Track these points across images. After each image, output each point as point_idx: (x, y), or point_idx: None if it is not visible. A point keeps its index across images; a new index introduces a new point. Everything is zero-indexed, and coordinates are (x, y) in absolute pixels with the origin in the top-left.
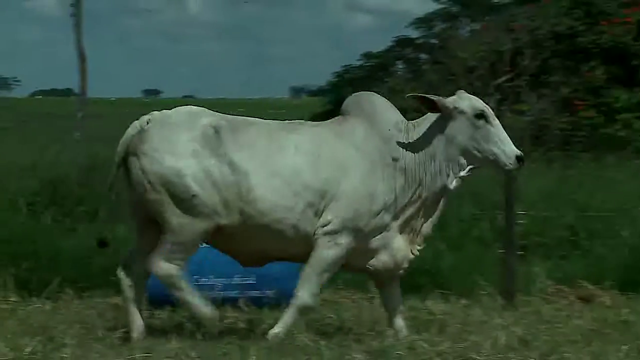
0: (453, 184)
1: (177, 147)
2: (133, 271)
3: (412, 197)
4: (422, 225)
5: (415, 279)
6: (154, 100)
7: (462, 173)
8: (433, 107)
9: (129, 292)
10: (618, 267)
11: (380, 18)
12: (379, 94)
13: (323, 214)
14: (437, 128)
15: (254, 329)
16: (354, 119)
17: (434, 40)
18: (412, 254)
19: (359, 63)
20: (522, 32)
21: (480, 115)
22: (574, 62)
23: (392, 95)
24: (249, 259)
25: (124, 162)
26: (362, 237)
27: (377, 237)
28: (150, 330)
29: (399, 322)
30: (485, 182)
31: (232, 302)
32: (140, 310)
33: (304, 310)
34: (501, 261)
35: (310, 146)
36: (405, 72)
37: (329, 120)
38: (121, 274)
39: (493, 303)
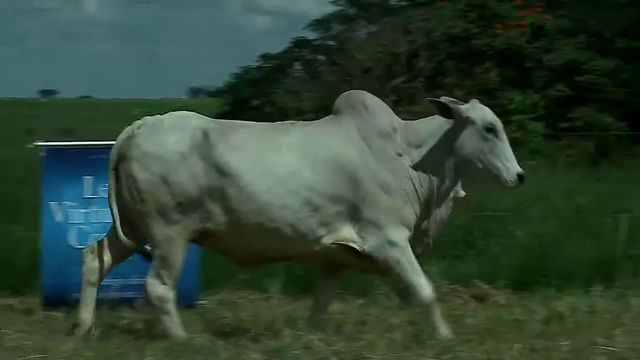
0: (461, 192)
1: (165, 152)
2: (101, 259)
3: (424, 194)
4: (429, 227)
5: (313, 279)
6: (50, 100)
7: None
8: (446, 112)
9: (90, 275)
10: (512, 266)
11: (278, 19)
12: (277, 95)
13: (355, 225)
14: (448, 132)
15: (151, 329)
16: (345, 117)
17: (331, 42)
18: (425, 254)
19: (257, 64)
20: (417, 34)
21: (490, 129)
22: (469, 64)
23: (289, 96)
24: (246, 259)
25: (116, 168)
26: (406, 226)
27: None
28: (47, 331)
29: (320, 320)
30: None
31: (130, 302)
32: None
33: (433, 304)
34: None
35: (304, 146)
36: (303, 74)
37: (320, 120)
38: (88, 257)
39: (389, 302)
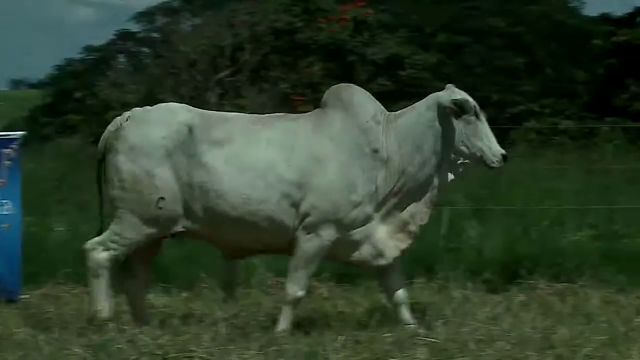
0: (458, 171)
1: (151, 147)
2: (135, 276)
3: (394, 187)
4: (413, 216)
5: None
6: None
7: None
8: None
9: (130, 294)
10: None
11: (102, 11)
12: (100, 87)
13: (301, 207)
14: (427, 119)
15: None
16: (331, 110)
17: (155, 35)
18: (401, 244)
19: (80, 56)
20: (242, 27)
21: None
22: (294, 58)
23: (112, 89)
24: (229, 252)
25: (103, 158)
26: (344, 228)
27: (360, 229)
28: None
29: (405, 313)
30: None
31: None
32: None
33: (296, 302)
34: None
35: (283, 139)
36: (127, 66)
37: (308, 113)
38: (124, 279)
39: (214, 295)
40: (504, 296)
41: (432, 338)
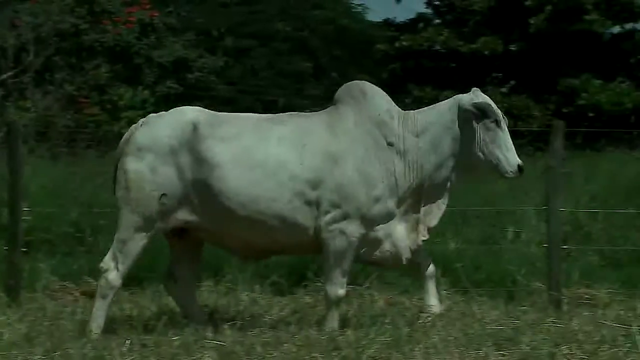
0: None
1: (156, 145)
2: (178, 280)
3: (412, 183)
4: (425, 216)
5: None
6: None
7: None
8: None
9: (178, 300)
10: None
11: None
12: None
13: (321, 206)
14: (447, 120)
15: None
16: (344, 107)
17: None
18: (416, 244)
19: None
20: (25, 28)
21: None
22: (79, 60)
23: None
24: (244, 253)
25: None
26: (368, 223)
27: (382, 226)
28: None
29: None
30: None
31: None
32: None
33: (337, 301)
34: (5, 258)
35: (294, 136)
36: None
37: (321, 111)
38: (167, 285)
39: None
40: (291, 298)
41: (219, 341)
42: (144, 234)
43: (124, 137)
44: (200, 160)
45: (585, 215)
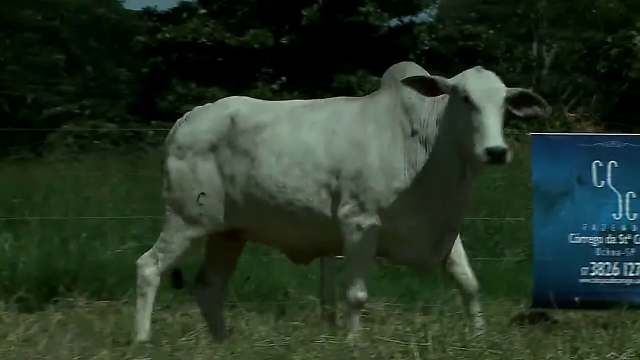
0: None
1: (197, 142)
2: (208, 285)
3: (434, 177)
4: (451, 215)
5: None
6: None
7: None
8: (432, 89)
9: (204, 306)
10: None
11: None
12: None
13: (342, 197)
14: (447, 108)
15: None
16: (382, 90)
17: None
18: (442, 246)
19: None
20: None
21: (466, 99)
22: None
23: None
24: (290, 253)
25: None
26: (387, 218)
27: (409, 223)
28: None
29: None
30: None
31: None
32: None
33: (359, 305)
34: None
35: (326, 123)
36: None
37: (367, 95)
38: (197, 288)
39: None
40: (40, 315)
41: None
42: (188, 237)
43: (169, 133)
44: (237, 152)
45: None
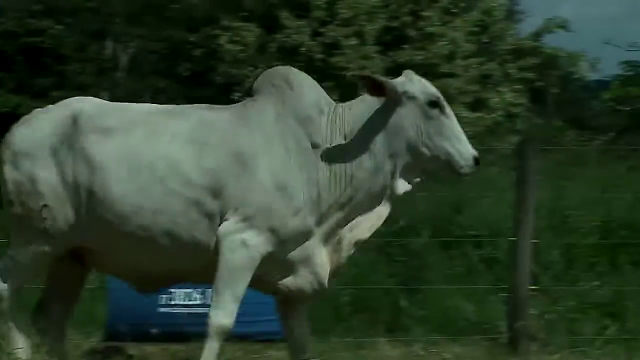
0: (401, 188)
1: (36, 147)
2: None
3: (340, 196)
4: (351, 231)
5: None
6: None
7: (414, 180)
8: (378, 90)
9: (44, 338)
10: None
11: None
12: None
13: (221, 215)
14: (379, 115)
15: None
16: (264, 98)
17: None
18: (339, 264)
19: None
20: None
21: (435, 103)
22: None
23: None
24: (137, 280)
25: None
26: (278, 241)
27: (299, 247)
28: None
29: None
30: None
31: None
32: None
33: (221, 333)
34: None
35: (193, 133)
36: None
37: (236, 103)
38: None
39: None
40: None
41: None
42: (37, 253)
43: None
44: (79, 157)
45: None
